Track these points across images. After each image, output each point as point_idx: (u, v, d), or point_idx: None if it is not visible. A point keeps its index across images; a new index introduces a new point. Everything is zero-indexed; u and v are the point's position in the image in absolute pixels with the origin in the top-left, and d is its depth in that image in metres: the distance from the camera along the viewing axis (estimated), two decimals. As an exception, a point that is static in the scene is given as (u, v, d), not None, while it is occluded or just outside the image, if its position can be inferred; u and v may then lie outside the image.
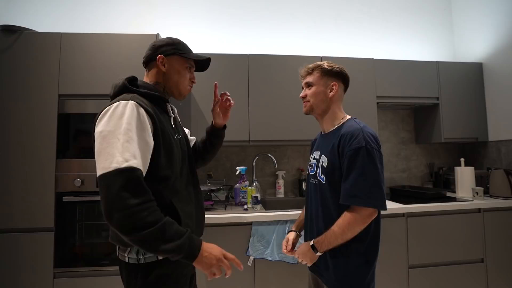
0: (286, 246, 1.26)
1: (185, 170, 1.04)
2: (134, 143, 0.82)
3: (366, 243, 1.05)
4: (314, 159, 1.21)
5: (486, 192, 2.16)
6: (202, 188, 1.95)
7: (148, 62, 1.04)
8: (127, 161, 0.78)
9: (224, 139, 2.06)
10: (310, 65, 1.19)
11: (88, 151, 1.72)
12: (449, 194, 2.25)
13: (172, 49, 1.01)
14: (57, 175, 1.68)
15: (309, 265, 1.13)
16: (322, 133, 1.25)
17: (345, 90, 1.23)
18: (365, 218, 1.00)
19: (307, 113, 1.21)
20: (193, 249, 0.84)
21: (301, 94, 1.21)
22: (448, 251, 1.90)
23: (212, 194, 1.97)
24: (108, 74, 1.75)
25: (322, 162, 1.12)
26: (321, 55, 2.24)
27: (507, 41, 2.23)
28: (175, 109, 1.11)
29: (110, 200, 0.76)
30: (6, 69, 1.69)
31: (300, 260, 1.14)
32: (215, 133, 1.25)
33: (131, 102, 0.86)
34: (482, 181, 2.24)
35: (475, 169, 2.23)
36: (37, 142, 1.68)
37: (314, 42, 2.55)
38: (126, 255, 0.91)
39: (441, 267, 1.89)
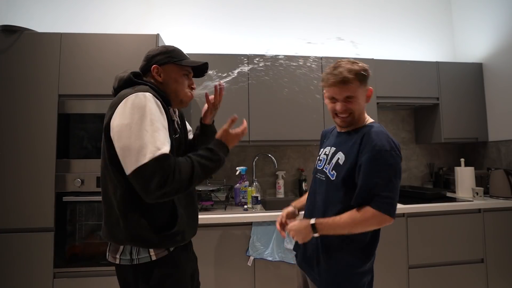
0: (281, 221, 1.20)
1: None
2: (162, 132, 0.84)
3: (363, 246, 1.01)
4: (324, 154, 1.14)
5: (486, 192, 2.16)
6: (202, 188, 1.95)
7: (145, 73, 1.02)
8: (159, 149, 0.80)
9: (224, 139, 2.09)
10: (345, 73, 1.00)
11: (88, 151, 1.72)
12: (449, 194, 2.25)
13: (166, 57, 0.99)
14: (57, 175, 1.68)
15: (300, 242, 1.05)
16: (339, 130, 1.15)
17: None
18: (381, 222, 0.95)
19: (345, 127, 1.09)
20: (225, 149, 0.99)
21: (340, 108, 1.03)
22: (448, 251, 1.90)
23: (212, 194, 1.97)
24: (108, 74, 1.74)
25: (338, 158, 1.05)
26: (321, 55, 2.23)
27: (507, 42, 2.23)
28: (176, 111, 1.10)
29: (148, 183, 0.79)
30: (6, 69, 1.69)
31: (291, 236, 1.05)
32: (206, 131, 1.22)
33: (148, 94, 0.87)
34: (482, 181, 2.24)
35: (475, 169, 2.23)
36: (37, 142, 1.68)
37: (314, 42, 2.55)
38: (117, 256, 0.90)
39: (441, 267, 1.89)
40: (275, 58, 2.16)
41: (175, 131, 1.04)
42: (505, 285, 1.94)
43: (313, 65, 2.18)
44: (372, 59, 2.26)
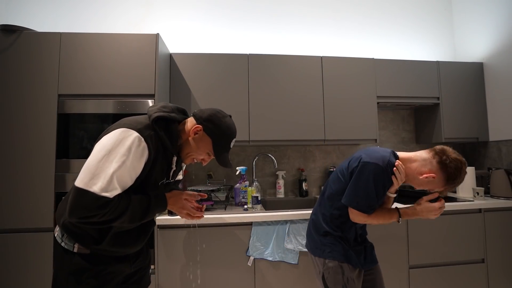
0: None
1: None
2: (124, 178, 0.88)
3: None
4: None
5: (487, 192, 2.15)
6: (202, 188, 1.95)
7: (195, 116, 1.04)
8: (107, 191, 0.84)
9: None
10: None
11: (87, 151, 1.70)
12: (449, 194, 2.24)
13: (214, 134, 1.01)
14: (56, 175, 1.68)
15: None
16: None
17: None
18: None
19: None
20: (161, 207, 1.01)
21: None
22: (449, 251, 1.89)
23: (212, 194, 1.97)
24: (108, 74, 1.75)
25: None
26: (321, 55, 2.23)
27: (508, 41, 2.22)
28: (183, 165, 1.14)
29: (77, 206, 0.84)
30: (5, 69, 1.69)
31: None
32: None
33: (143, 141, 0.91)
34: (482, 181, 2.24)
35: (475, 169, 2.23)
36: (37, 142, 1.68)
37: (314, 42, 2.55)
38: (56, 230, 1.00)
39: (442, 267, 1.88)
40: (275, 57, 2.16)
41: (162, 178, 1.03)
42: (506, 285, 1.94)
43: (313, 65, 2.18)
44: (372, 58, 2.26)
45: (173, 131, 0.99)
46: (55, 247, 0.99)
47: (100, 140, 0.91)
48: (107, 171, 0.84)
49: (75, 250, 0.94)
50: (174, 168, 1.05)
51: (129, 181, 0.91)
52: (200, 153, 1.04)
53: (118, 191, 0.87)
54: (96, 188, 0.83)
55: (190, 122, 1.04)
